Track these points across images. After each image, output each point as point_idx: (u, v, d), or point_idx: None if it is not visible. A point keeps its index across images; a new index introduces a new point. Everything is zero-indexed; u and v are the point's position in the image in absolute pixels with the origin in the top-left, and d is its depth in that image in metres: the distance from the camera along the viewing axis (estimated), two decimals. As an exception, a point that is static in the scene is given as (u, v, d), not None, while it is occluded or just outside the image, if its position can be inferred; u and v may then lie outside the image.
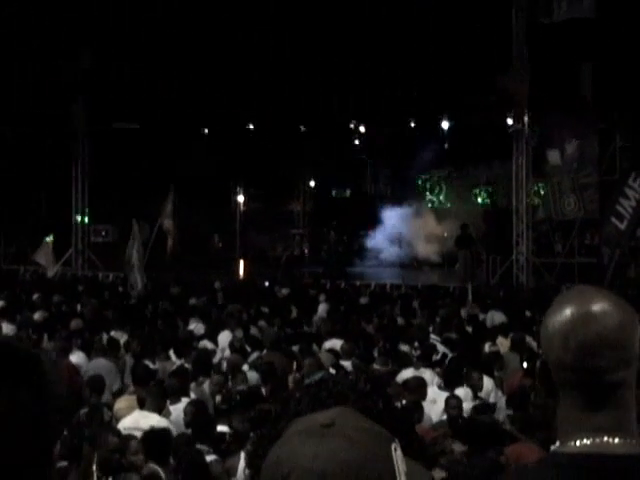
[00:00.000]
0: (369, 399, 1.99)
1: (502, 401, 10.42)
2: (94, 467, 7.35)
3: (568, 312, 2.13)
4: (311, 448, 1.53)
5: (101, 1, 26.58)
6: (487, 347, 13.58)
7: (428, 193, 36.96)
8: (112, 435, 7.89)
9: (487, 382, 11.06)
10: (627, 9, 23.85)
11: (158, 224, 27.92)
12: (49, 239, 27.41)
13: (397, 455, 1.56)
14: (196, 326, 15.50)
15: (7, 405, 1.68)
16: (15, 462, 1.69)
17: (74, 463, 7.37)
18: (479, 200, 35.40)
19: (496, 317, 17.23)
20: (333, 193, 38.75)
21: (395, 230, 33.78)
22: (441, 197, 36.98)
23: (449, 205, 36.50)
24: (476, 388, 10.62)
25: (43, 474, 1.73)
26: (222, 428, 8.67)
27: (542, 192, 28.78)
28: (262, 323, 16.12)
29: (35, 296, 19.92)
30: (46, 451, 1.73)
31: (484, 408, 9.58)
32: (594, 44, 24.69)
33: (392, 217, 33.92)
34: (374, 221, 34.20)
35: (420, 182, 36.70)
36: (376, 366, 11.67)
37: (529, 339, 13.71)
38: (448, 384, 10.76)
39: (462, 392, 10.35)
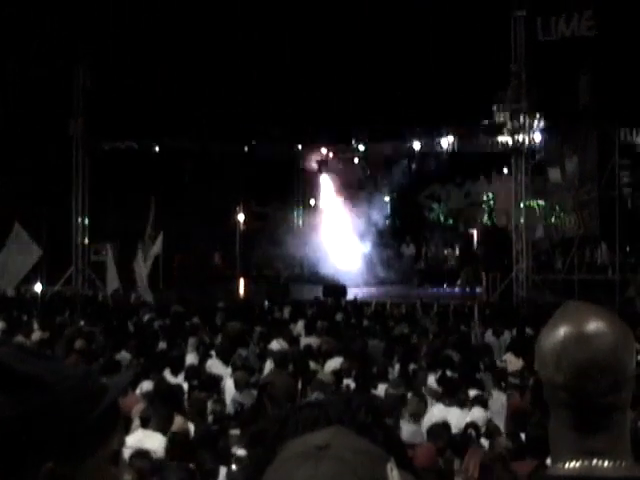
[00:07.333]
0: (362, 418, 1.98)
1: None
2: None
3: (562, 332, 2.09)
4: (306, 472, 1.50)
5: (101, 18, 26.62)
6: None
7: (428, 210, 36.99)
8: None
9: (500, 397, 11.06)
10: (625, 27, 23.92)
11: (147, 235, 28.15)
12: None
13: (393, 475, 1.54)
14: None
15: None
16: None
17: None
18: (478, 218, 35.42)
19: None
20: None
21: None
22: (441, 214, 37.00)
23: (450, 222, 36.51)
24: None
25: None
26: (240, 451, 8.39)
27: (540, 209, 28.67)
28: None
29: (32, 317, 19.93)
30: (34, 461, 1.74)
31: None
32: (592, 60, 24.75)
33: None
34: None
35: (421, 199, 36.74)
36: (391, 390, 11.14)
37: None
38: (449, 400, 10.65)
39: (477, 412, 10.22)
